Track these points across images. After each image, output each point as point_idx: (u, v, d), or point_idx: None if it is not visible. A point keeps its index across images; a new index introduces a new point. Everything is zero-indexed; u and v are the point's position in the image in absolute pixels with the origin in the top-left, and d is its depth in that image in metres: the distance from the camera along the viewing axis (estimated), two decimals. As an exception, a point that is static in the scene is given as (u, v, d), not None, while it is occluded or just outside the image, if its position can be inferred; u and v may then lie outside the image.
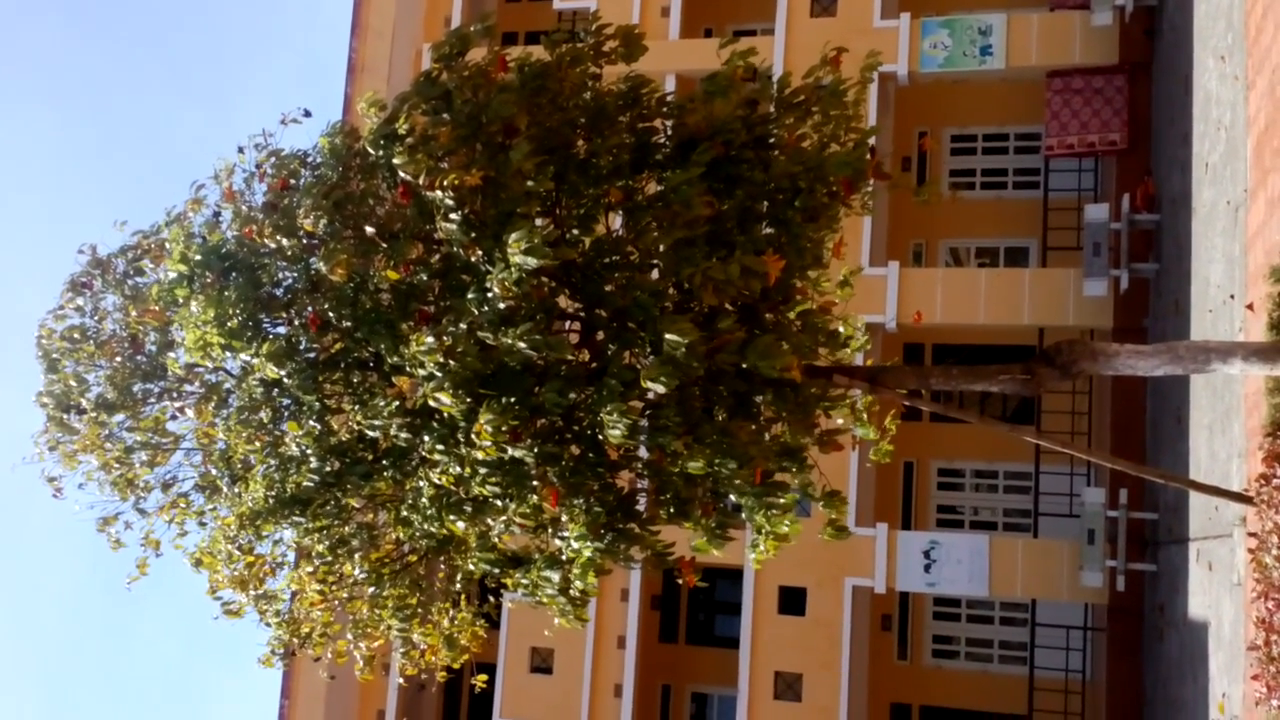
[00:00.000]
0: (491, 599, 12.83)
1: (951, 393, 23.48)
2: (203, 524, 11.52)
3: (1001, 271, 23.34)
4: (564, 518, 9.10)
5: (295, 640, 11.52)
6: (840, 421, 11.95)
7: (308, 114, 10.47)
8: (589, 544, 8.76)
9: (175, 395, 11.23)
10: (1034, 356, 10.57)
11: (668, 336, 8.26)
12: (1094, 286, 21.03)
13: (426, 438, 9.03)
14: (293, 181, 9.76)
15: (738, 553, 13.06)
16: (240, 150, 10.30)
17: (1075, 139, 22.95)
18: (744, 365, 8.81)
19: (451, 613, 11.61)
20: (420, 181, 8.66)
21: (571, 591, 9.19)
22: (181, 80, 55.77)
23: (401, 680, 12.95)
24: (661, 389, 8.36)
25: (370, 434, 9.44)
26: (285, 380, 9.38)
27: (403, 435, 9.15)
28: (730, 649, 23.76)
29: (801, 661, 21.96)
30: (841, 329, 11.31)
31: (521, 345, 8.33)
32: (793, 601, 22.27)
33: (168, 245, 10.25)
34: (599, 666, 22.91)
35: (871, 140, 9.99)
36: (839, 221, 10.23)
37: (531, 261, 8.13)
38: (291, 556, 11.58)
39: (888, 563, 21.72)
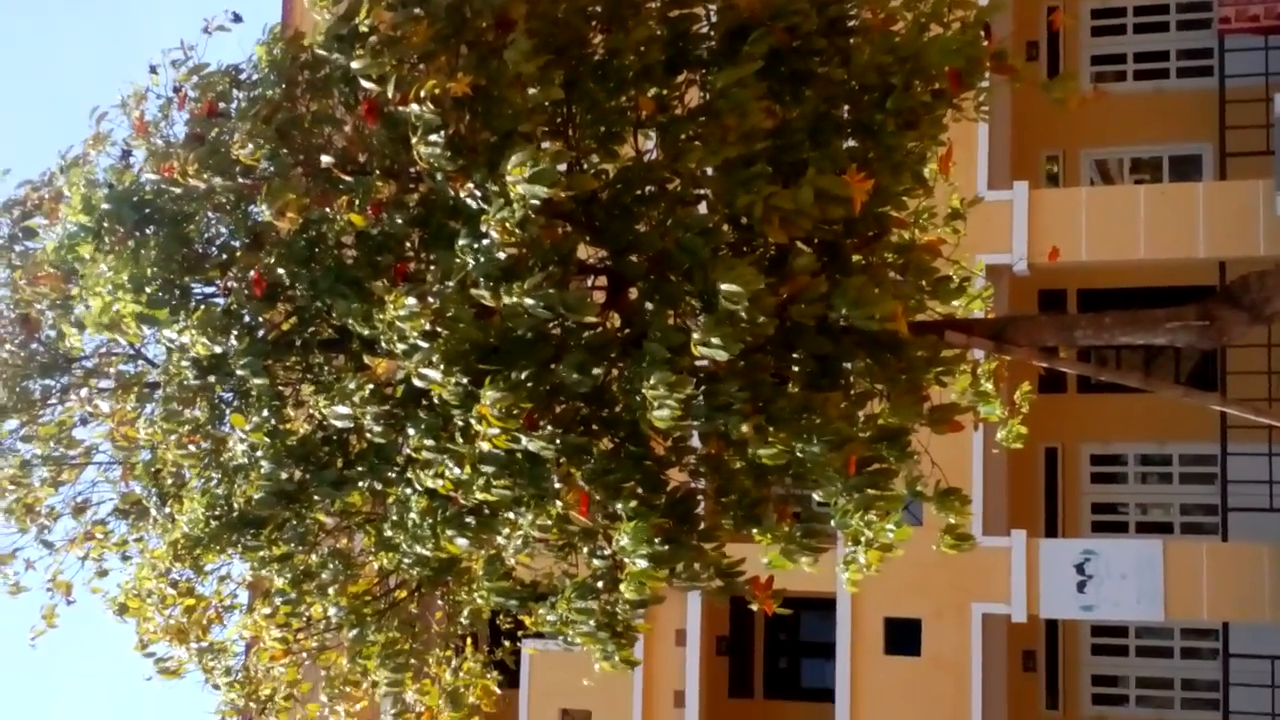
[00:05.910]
0: (507, 643, 12.97)
1: (1105, 350, 23.37)
2: (126, 558, 11.69)
3: (1166, 188, 23.14)
4: (602, 526, 9.13)
5: (253, 706, 11.70)
6: (956, 395, 11.95)
7: (238, 18, 10.56)
8: (645, 548, 8.72)
9: (83, 392, 11.37)
10: (1214, 296, 10.52)
11: (724, 286, 8.29)
12: (1291, 202, 20.86)
13: (412, 431, 9.11)
14: (222, 105, 9.86)
15: (827, 575, 13.06)
16: (153, 70, 10.40)
17: (1261, 8, 22.69)
18: (830, 318, 8.82)
19: (454, 662, 11.75)
20: (390, 95, 8.73)
21: (617, 621, 9.22)
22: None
23: (393, 754, 13.12)
24: (721, 355, 8.40)
25: (339, 427, 9.53)
26: (226, 359, 9.47)
27: (381, 429, 9.24)
28: (823, 703, 23.81)
29: (919, 715, 21.98)
30: (953, 274, 11.30)
31: (530, 303, 8.38)
32: (904, 637, 22.29)
33: (65, 194, 10.37)
34: (651, 732, 23.06)
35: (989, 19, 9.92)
36: (945, 129, 10.22)
37: (540, 192, 8.16)
38: (243, 596, 11.75)
39: (1028, 582, 21.66)
